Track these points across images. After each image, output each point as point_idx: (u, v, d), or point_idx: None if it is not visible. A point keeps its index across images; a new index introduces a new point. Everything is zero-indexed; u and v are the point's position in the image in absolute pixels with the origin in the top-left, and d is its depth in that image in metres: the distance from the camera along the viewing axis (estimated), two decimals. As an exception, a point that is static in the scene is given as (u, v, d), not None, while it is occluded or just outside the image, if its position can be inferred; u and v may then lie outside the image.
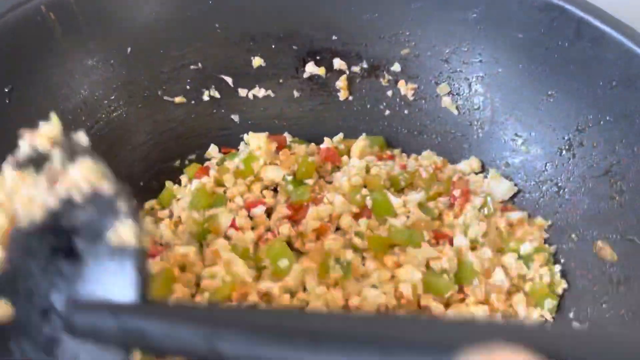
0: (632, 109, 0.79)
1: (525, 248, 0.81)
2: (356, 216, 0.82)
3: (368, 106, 1.03)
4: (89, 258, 0.53)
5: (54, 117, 0.59)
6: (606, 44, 0.81)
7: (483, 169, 0.95)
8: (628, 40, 0.80)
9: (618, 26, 0.81)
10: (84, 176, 0.53)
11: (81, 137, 0.56)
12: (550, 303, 0.78)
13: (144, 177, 0.93)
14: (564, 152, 0.88)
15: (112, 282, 0.51)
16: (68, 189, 0.53)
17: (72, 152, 0.55)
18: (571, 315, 0.79)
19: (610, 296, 0.77)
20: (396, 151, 0.98)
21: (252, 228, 0.80)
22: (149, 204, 0.90)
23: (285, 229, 0.78)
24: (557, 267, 0.82)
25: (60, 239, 0.54)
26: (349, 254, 0.74)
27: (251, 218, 0.81)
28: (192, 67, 0.98)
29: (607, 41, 0.81)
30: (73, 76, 0.90)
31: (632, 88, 0.79)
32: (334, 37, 1.01)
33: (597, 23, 0.82)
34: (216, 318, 0.47)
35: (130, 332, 0.47)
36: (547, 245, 0.84)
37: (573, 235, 0.84)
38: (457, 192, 0.85)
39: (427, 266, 0.76)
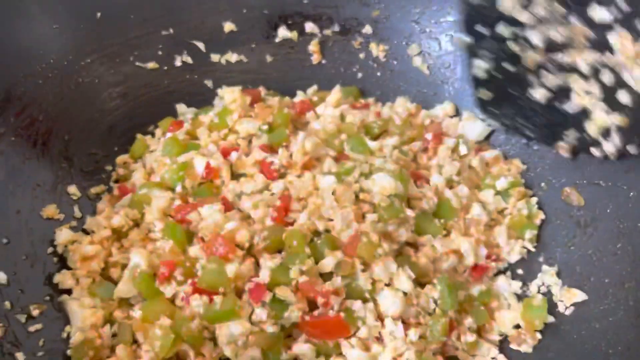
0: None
1: (501, 183, 0.83)
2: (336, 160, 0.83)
3: (341, 69, 1.04)
4: None
5: None
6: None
7: (457, 114, 0.96)
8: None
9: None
10: None
11: None
12: (530, 233, 0.80)
13: (118, 142, 0.92)
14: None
15: None
16: None
17: None
18: (541, 259, 0.81)
19: (578, 238, 0.78)
20: (370, 99, 0.98)
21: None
22: (120, 158, 0.89)
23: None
24: (534, 200, 0.83)
25: None
26: None
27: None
28: (163, 32, 0.98)
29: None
30: (42, 41, 0.90)
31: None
32: (305, 1, 1.02)
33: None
34: None
35: None
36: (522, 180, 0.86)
37: (542, 184, 0.85)
38: (429, 135, 0.86)
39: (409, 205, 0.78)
